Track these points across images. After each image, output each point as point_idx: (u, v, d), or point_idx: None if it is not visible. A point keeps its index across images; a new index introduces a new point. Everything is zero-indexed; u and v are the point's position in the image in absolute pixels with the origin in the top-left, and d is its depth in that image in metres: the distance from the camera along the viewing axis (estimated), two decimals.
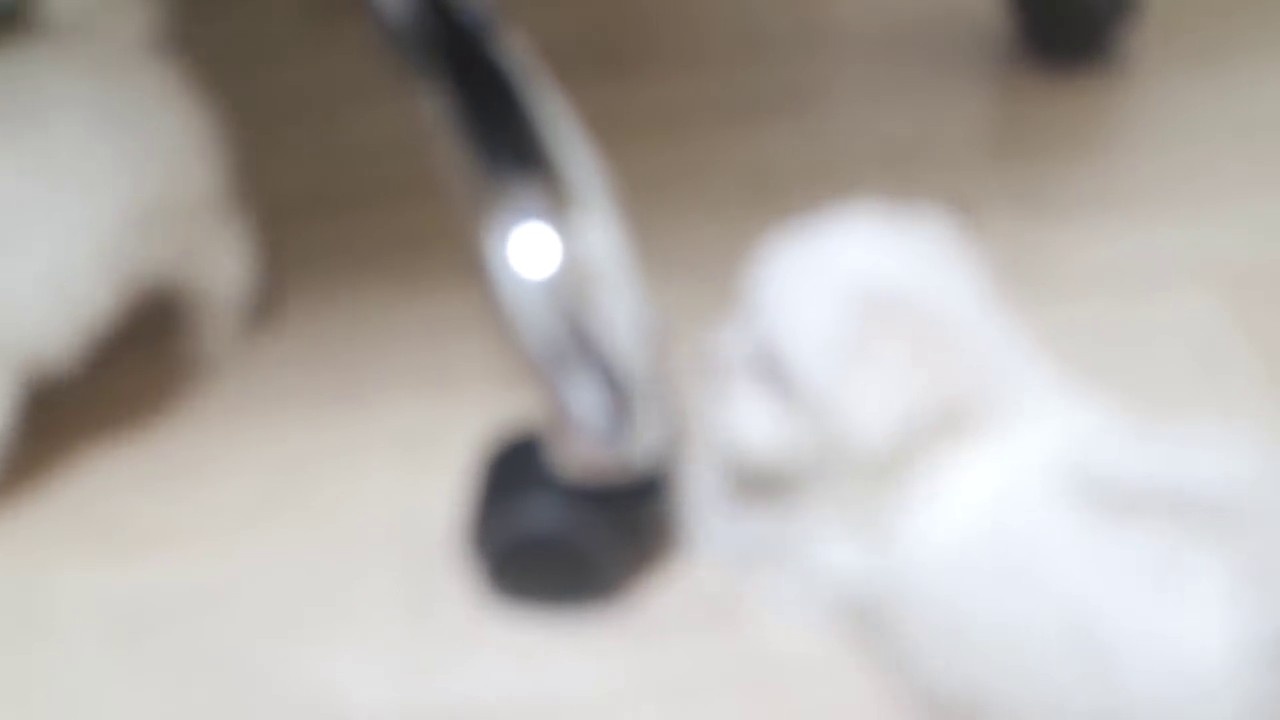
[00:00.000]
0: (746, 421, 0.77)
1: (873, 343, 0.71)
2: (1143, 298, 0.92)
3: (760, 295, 0.76)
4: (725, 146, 1.04)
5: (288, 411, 0.90)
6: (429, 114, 0.86)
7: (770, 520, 0.79)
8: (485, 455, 0.80)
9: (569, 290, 0.79)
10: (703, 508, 0.82)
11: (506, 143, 0.83)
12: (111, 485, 0.88)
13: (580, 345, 0.77)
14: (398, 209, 1.01)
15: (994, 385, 0.72)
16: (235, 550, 0.84)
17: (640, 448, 0.77)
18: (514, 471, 0.78)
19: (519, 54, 0.86)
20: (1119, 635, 0.65)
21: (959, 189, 0.98)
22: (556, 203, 0.81)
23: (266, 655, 0.79)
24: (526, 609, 0.79)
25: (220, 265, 0.90)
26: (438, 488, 0.84)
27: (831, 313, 0.72)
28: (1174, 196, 0.99)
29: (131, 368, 0.91)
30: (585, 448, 0.76)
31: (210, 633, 0.80)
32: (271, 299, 0.95)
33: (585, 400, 0.76)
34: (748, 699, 0.76)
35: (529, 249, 0.80)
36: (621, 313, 0.79)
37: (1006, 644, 0.68)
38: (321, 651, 0.79)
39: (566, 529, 0.75)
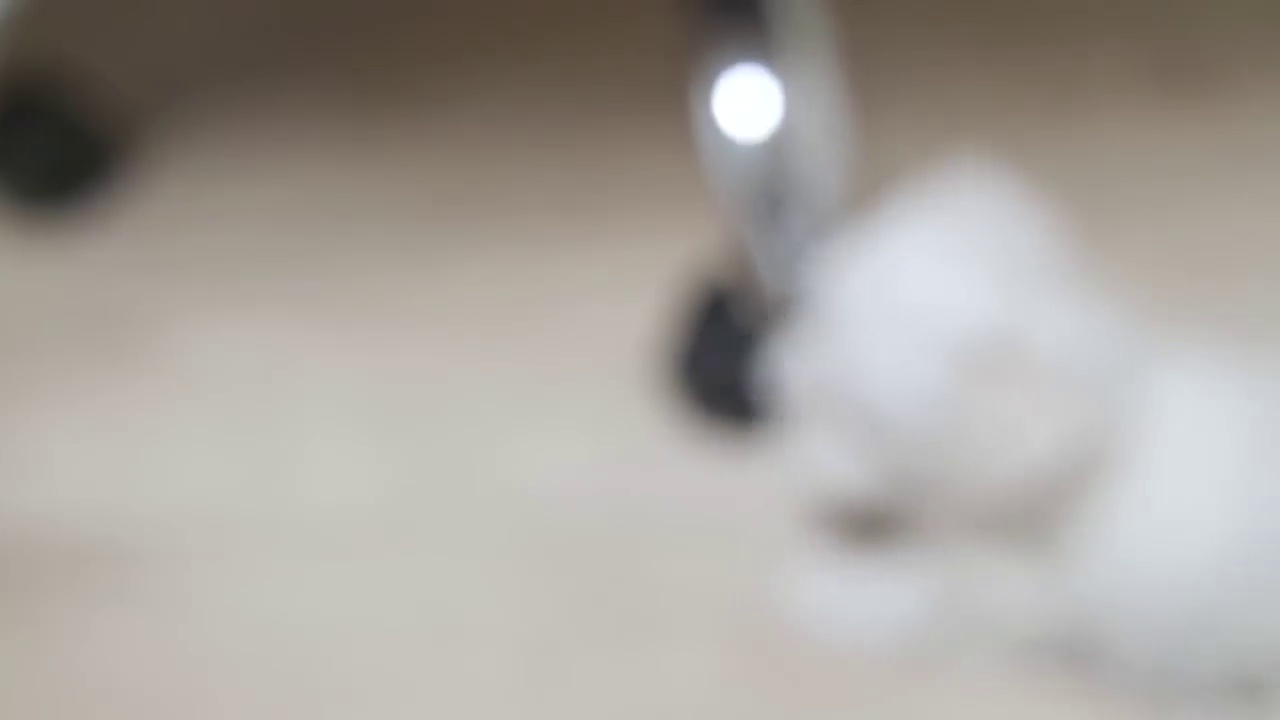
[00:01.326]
0: (825, 461, 0.76)
1: (982, 396, 0.70)
2: None
3: (829, 323, 0.74)
4: None
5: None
6: None
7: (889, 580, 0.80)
8: (690, 300, 0.91)
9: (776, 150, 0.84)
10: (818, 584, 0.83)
11: None
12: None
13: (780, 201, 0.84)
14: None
15: (1112, 382, 0.71)
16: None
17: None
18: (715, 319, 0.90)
19: None
20: None
21: None
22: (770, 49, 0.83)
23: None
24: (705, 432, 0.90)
25: None
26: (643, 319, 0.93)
27: (920, 363, 0.70)
28: None
29: None
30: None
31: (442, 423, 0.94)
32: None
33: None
34: None
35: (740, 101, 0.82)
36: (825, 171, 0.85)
37: None
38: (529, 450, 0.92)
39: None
